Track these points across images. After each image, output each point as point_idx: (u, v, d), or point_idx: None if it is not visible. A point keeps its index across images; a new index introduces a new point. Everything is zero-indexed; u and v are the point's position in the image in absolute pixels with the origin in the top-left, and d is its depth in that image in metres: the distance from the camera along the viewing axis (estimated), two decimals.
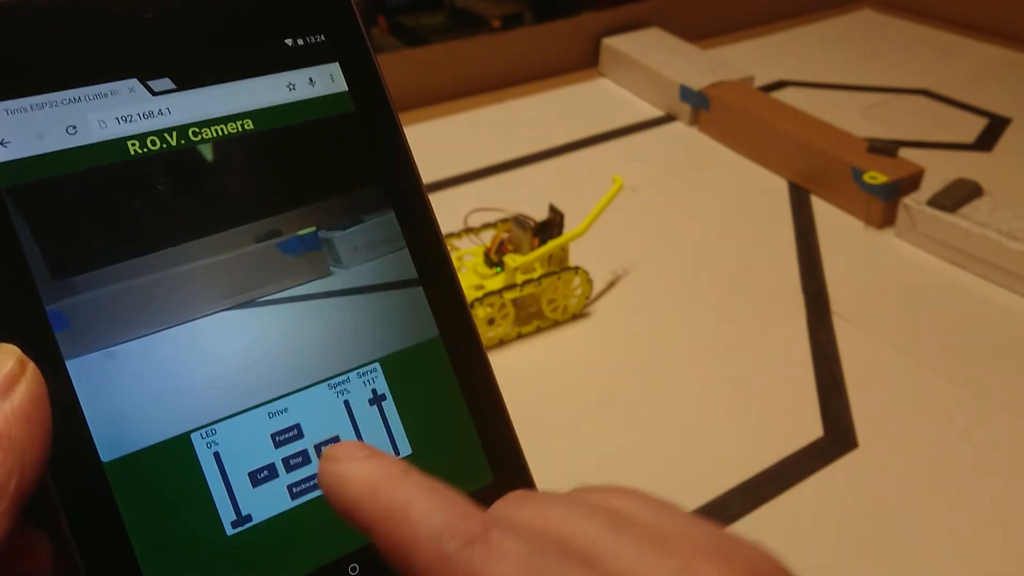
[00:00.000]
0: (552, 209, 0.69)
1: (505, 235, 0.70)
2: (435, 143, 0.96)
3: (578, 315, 0.70)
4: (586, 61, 1.13)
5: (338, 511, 0.19)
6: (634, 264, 0.77)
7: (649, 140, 0.99)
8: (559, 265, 0.68)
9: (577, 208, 0.71)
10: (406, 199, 0.25)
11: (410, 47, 1.15)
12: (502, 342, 0.66)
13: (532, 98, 1.07)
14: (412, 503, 0.18)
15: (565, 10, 1.16)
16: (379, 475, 0.19)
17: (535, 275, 0.66)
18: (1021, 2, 1.23)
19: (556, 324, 0.68)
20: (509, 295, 0.64)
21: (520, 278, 0.66)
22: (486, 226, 0.72)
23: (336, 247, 0.24)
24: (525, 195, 0.78)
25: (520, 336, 0.67)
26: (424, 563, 0.17)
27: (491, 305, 0.64)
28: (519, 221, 0.69)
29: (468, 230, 0.72)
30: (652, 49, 1.09)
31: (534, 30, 1.11)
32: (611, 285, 0.74)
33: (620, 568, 0.18)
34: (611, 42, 1.11)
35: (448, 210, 0.73)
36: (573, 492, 0.22)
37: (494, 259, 0.69)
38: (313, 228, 0.24)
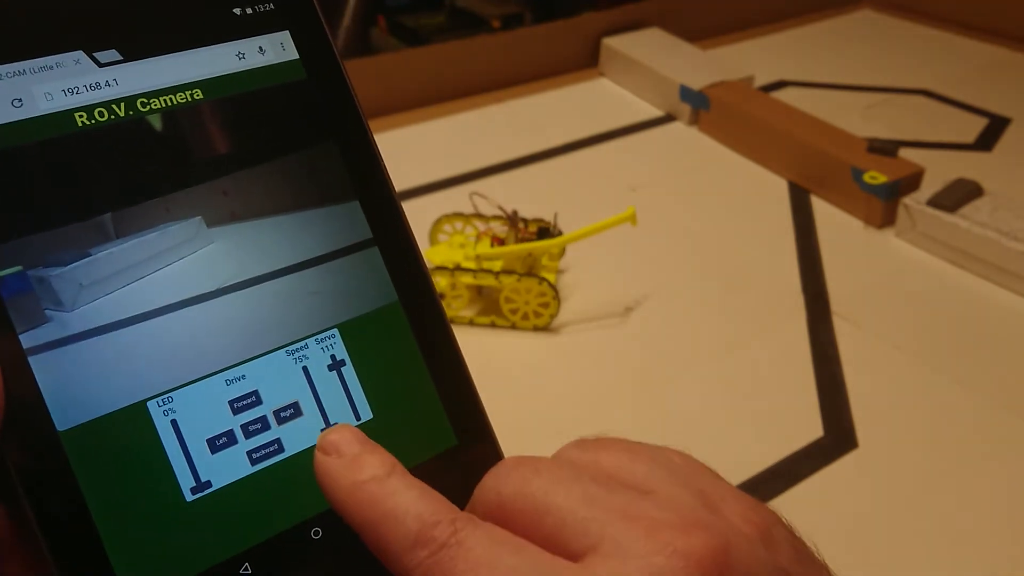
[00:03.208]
0: (553, 221, 0.70)
1: (503, 231, 0.70)
2: (435, 143, 0.96)
3: (577, 315, 0.70)
4: (586, 61, 1.13)
5: (329, 502, 0.21)
6: (634, 264, 0.77)
7: (649, 140, 0.99)
8: (528, 270, 0.68)
9: (576, 209, 0.71)
10: (360, 163, 0.25)
11: (410, 47, 1.15)
12: (454, 322, 0.67)
13: (532, 98, 1.06)
14: (387, 514, 0.20)
15: (565, 10, 1.16)
16: (362, 479, 0.20)
17: (495, 267, 0.66)
18: (1021, 2, 1.23)
19: (514, 327, 0.68)
20: (462, 277, 0.65)
21: (483, 265, 0.67)
22: (494, 217, 0.72)
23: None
24: (525, 195, 0.78)
25: (472, 323, 0.67)
26: (403, 572, 0.19)
27: (442, 277, 0.65)
28: (511, 218, 0.70)
29: (478, 215, 0.72)
30: (652, 49, 1.09)
31: (534, 30, 1.11)
32: (610, 285, 0.74)
33: (583, 546, 0.19)
34: (611, 42, 1.11)
35: (447, 211, 0.73)
36: (563, 451, 0.23)
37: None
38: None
